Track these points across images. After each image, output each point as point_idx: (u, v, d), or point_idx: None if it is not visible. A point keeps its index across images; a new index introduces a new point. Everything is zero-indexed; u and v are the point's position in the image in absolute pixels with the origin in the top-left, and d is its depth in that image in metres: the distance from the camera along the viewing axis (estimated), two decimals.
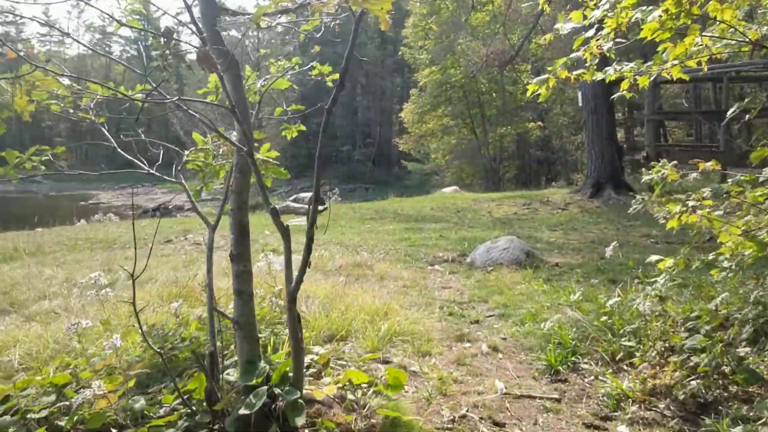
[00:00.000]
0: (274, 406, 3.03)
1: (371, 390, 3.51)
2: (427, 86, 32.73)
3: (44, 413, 3.10)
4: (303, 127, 4.90)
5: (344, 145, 66.65)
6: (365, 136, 67.18)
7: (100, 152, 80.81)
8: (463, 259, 8.30)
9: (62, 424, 3.03)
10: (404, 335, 4.67)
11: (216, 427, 3.03)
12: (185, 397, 3.13)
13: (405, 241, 9.85)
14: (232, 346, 3.72)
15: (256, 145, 4.07)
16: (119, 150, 3.73)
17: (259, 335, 4.21)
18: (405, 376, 3.54)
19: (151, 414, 3.12)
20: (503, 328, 5.15)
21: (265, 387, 2.99)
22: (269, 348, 3.98)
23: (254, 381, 3.04)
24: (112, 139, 3.74)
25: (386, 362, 4.21)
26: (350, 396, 3.38)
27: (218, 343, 3.69)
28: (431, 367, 4.19)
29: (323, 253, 8.40)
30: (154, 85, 2.88)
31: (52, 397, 3.25)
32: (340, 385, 3.42)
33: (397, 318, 4.89)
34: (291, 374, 3.12)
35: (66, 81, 2.80)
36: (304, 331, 4.50)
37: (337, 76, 4.57)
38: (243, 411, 2.87)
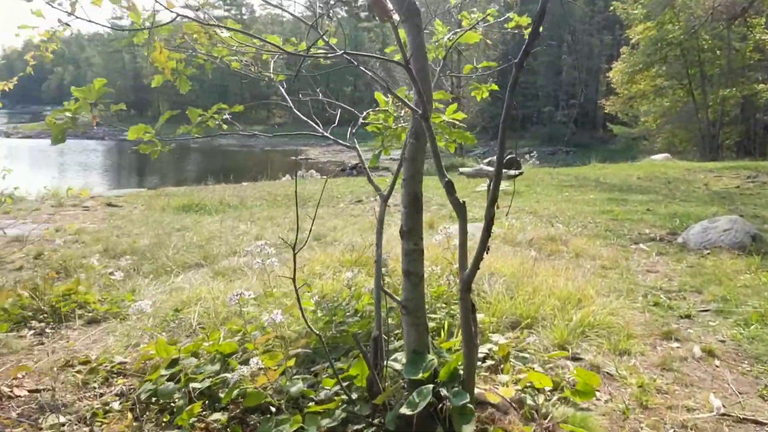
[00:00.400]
0: (440, 406, 2.66)
1: (556, 396, 3.02)
2: (640, 44, 30.16)
3: (207, 383, 3.00)
4: (495, 87, 4.39)
5: (546, 105, 64.54)
6: (569, 96, 64.40)
7: (284, 113, 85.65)
8: (673, 239, 7.33)
9: (222, 395, 2.91)
10: (599, 327, 4.07)
11: (375, 421, 2.72)
12: (346, 384, 2.85)
13: (606, 213, 8.98)
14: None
15: (441, 106, 3.67)
16: (295, 111, 3.54)
17: (434, 315, 3.87)
18: (597, 379, 3.01)
19: (311, 396, 2.89)
20: (721, 328, 4.34)
21: (431, 385, 2.61)
22: (443, 333, 3.61)
23: (420, 375, 2.68)
24: (288, 100, 3.53)
25: (576, 359, 3.67)
26: (530, 401, 2.91)
27: (389, 322, 3.39)
28: (630, 370, 3.57)
29: (514, 223, 7.87)
30: (326, 40, 2.56)
31: (217, 366, 3.14)
32: (519, 387, 2.97)
33: (592, 307, 4.29)
34: (462, 371, 2.71)
35: (225, 33, 2.55)
36: (484, 315, 4.08)
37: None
38: (404, 410, 2.53)
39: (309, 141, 74.75)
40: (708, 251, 6.61)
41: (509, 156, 16.65)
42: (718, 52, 29.19)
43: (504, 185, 11.42)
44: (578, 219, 8.45)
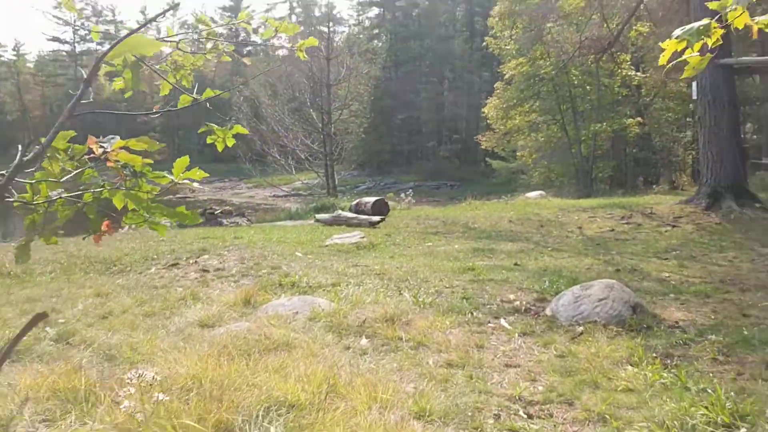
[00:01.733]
0: None
1: None
2: (514, 79, 30.09)
3: None
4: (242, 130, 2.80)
5: (430, 140, 64.82)
6: (452, 132, 65.05)
7: (191, 146, 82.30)
8: (541, 309, 5.98)
9: None
10: None
11: None
12: None
13: (468, 272, 7.59)
14: None
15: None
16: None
17: None
18: None
19: None
20: None
21: None
22: None
23: None
24: None
25: None
26: None
27: None
28: None
29: (352, 293, 6.31)
30: None
31: None
32: None
33: None
34: None
35: None
36: None
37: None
38: None
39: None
40: (581, 328, 5.28)
41: (377, 200, 15.26)
42: (588, 87, 29.48)
43: (358, 236, 9.90)
44: (433, 282, 7.00)
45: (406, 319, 5.38)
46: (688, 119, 35.05)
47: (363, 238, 9.60)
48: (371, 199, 15.42)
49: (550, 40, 27.73)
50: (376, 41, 73.23)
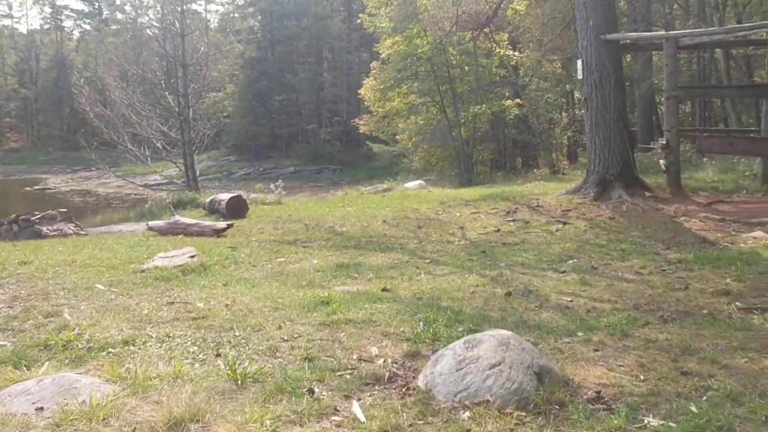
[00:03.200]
0: None
1: None
2: (390, 59, 28.49)
3: None
4: None
5: (309, 123, 62.43)
6: (333, 114, 63.00)
7: (54, 132, 75.52)
8: (412, 376, 4.22)
9: None
10: None
11: None
12: None
13: (321, 307, 5.73)
14: None
15: None
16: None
17: None
18: None
19: None
20: None
21: None
22: None
23: None
24: None
25: None
26: None
27: None
28: None
29: (145, 360, 4.31)
30: None
31: None
32: None
33: None
34: None
35: None
36: None
37: None
38: None
39: (53, 167, 65.33)
40: (466, 414, 3.57)
41: (233, 197, 13.15)
42: (466, 68, 28.36)
43: (188, 255, 7.79)
44: (269, 330, 5.08)
45: (203, 422, 3.46)
46: (563, 100, 35.04)
47: (193, 257, 7.51)
48: (226, 196, 13.26)
49: (426, 17, 26.29)
50: (251, 20, 69.94)
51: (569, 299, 6.05)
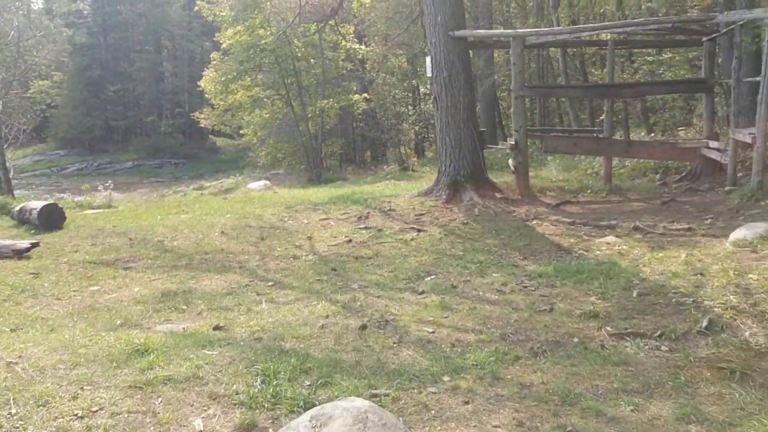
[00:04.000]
0: None
1: None
2: (232, 49, 26.91)
3: None
4: None
5: (149, 115, 58.61)
6: (174, 105, 59.55)
7: None
8: None
9: None
10: None
11: None
12: None
13: (136, 359, 4.62)
14: None
15: None
16: None
17: None
18: None
19: None
20: None
21: None
22: None
23: None
24: None
25: None
26: None
27: None
28: None
29: None
30: None
31: None
32: None
33: None
34: None
35: None
36: None
37: None
38: None
39: None
40: None
41: (45, 205, 11.41)
42: (312, 60, 27.44)
43: None
44: (62, 399, 3.94)
45: None
46: (409, 95, 35.17)
47: None
48: (39, 204, 11.45)
49: (269, 7, 25.06)
50: (79, 2, 64.51)
51: (431, 330, 5.36)
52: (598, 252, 7.99)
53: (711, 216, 9.85)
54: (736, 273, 6.14)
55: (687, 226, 8.99)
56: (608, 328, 5.22)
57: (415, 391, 4.17)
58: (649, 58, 20.06)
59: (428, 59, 12.48)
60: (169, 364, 4.54)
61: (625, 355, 4.68)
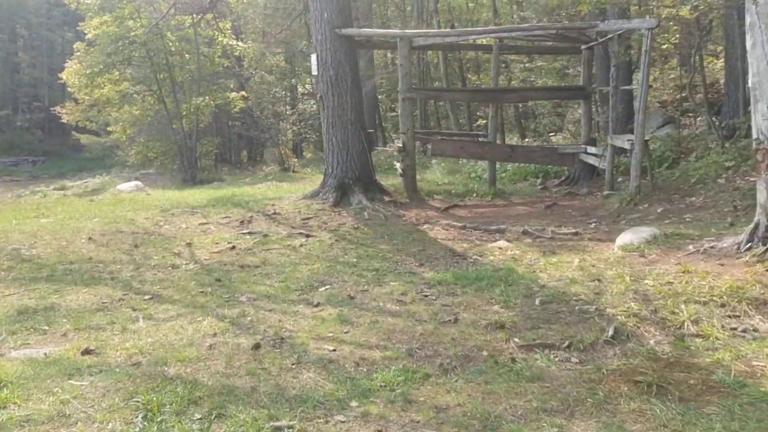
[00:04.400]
0: None
1: None
2: (98, 40, 25.09)
3: None
4: None
5: (2, 108, 54.02)
6: (32, 99, 55.28)
7: None
8: None
9: None
10: None
11: None
12: None
13: None
14: None
15: None
16: None
17: None
18: None
19: None
20: None
21: None
22: None
23: None
24: None
25: None
26: None
27: None
28: None
29: None
30: None
31: None
32: None
33: None
34: None
35: None
36: None
37: None
38: None
39: None
40: None
41: None
42: (187, 56, 26.14)
43: None
44: None
45: None
46: (288, 94, 34.50)
47: None
48: None
49: None
50: None
51: (332, 347, 4.94)
52: (492, 257, 7.87)
53: (594, 220, 10.09)
54: (631, 278, 6.16)
55: (574, 231, 9.11)
56: (516, 340, 5.02)
57: (322, 420, 3.74)
58: (524, 65, 20.69)
59: (314, 57, 12.04)
60: (28, 401, 3.85)
61: (538, 369, 4.47)
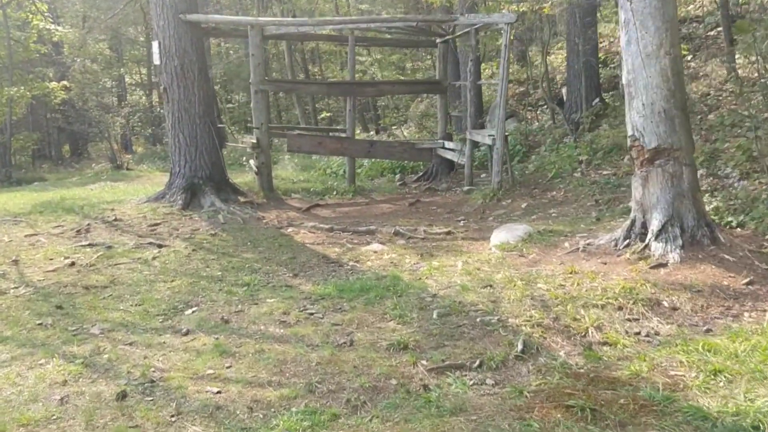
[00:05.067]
0: None
1: None
2: None
3: None
4: None
5: None
6: None
7: None
8: None
9: None
10: None
11: None
12: None
13: None
14: None
15: None
16: None
17: None
18: None
19: None
20: None
21: None
22: None
23: None
24: None
25: None
26: None
27: None
28: None
29: None
30: None
31: None
32: None
33: None
34: None
35: None
36: None
37: None
38: None
39: None
40: None
41: None
42: None
43: None
44: None
45: None
46: (114, 85, 31.93)
47: None
48: None
49: None
50: None
51: (216, 389, 4.17)
52: (369, 263, 7.38)
53: (462, 217, 9.92)
54: (523, 282, 5.93)
55: (446, 230, 8.85)
56: (424, 362, 4.53)
57: None
58: (362, 59, 20.46)
59: (155, 45, 10.86)
60: None
61: (456, 398, 4.01)
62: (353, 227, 9.30)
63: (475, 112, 14.40)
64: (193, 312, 5.75)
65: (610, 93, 13.99)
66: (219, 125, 11.50)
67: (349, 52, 12.39)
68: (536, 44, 21.85)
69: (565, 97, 15.39)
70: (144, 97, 31.51)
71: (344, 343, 4.93)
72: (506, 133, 10.88)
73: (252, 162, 11.76)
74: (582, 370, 4.33)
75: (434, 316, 5.35)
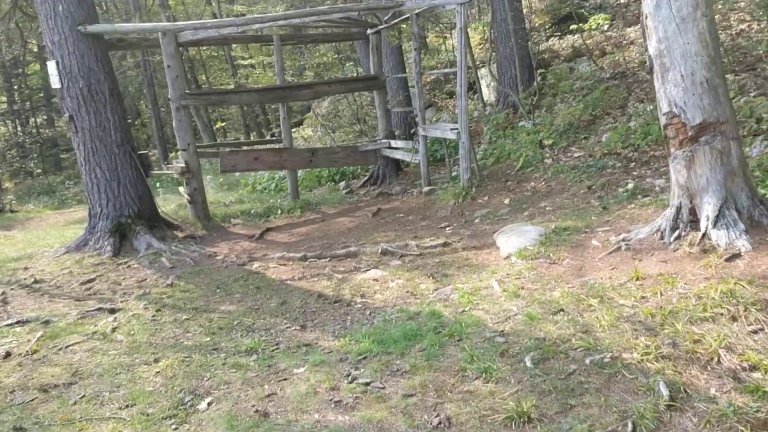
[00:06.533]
0: None
1: None
2: None
3: None
4: None
5: None
6: None
7: None
8: None
9: None
10: None
11: None
12: None
13: None
14: None
15: None
16: None
17: None
18: None
19: None
20: None
21: None
22: None
23: None
24: None
25: None
26: None
27: None
28: None
29: None
30: None
31: None
32: None
33: None
34: None
35: None
36: None
37: None
38: None
39: None
40: None
41: None
42: None
43: None
44: None
45: None
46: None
47: None
48: None
49: None
50: None
51: None
52: (379, 296, 6.22)
53: (444, 223, 8.89)
54: (597, 301, 4.98)
55: (441, 241, 7.80)
56: None
57: None
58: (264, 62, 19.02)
59: (51, 65, 9.03)
60: None
61: None
62: (328, 252, 8.05)
63: (425, 106, 13.42)
64: (210, 405, 4.35)
65: (539, 71, 13.28)
66: (141, 152, 9.80)
67: (276, 54, 11.00)
68: (433, 29, 21.15)
69: (482, 82, 14.73)
70: (7, 125, 28.44)
71: (440, 424, 3.76)
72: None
73: (183, 189, 10.20)
74: (761, 414, 3.40)
75: (528, 364, 4.27)
